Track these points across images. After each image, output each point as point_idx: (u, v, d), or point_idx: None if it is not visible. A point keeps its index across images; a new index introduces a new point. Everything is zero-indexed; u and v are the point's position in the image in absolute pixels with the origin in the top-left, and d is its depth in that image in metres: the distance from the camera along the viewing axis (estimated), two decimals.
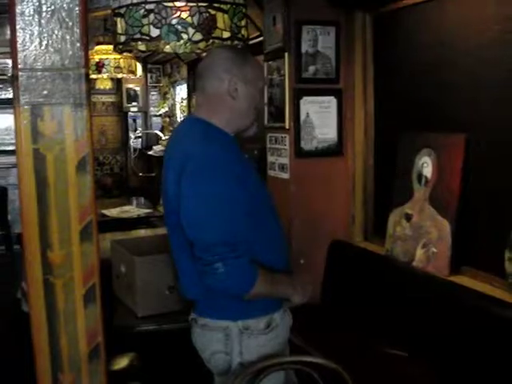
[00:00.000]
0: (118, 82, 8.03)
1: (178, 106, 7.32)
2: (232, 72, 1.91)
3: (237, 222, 1.82)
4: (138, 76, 6.33)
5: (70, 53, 1.36)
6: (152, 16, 2.42)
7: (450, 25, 2.82)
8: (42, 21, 1.35)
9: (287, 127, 3.43)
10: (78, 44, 1.37)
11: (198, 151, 1.84)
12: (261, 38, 3.81)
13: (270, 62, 3.62)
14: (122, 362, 2.99)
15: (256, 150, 4.63)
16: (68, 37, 1.36)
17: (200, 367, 2.77)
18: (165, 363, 2.90)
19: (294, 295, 1.97)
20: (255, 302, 1.90)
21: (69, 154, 1.36)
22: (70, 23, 1.36)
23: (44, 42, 1.35)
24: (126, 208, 5.74)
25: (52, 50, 1.36)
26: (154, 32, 2.44)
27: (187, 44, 2.56)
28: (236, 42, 2.64)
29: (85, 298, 1.41)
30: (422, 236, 2.84)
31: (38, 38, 1.35)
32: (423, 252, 2.81)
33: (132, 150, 8.13)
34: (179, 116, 7.25)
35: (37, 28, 1.35)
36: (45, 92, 1.34)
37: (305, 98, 3.41)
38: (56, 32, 1.36)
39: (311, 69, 3.41)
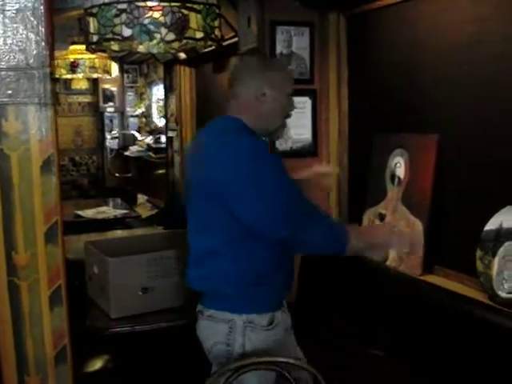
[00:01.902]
0: (94, 83, 7.99)
1: (154, 107, 7.29)
2: (258, 78, 2.02)
3: (292, 190, 1.93)
4: (113, 76, 6.30)
5: (35, 52, 1.35)
6: (124, 16, 2.41)
7: (423, 26, 2.84)
8: (6, 20, 1.33)
9: None
10: (43, 43, 1.36)
11: (232, 141, 1.94)
12: (236, 39, 3.80)
13: None
14: (96, 364, 2.98)
15: None
16: (33, 36, 1.35)
17: (173, 368, 2.77)
18: (139, 365, 2.89)
19: (392, 243, 2.13)
20: (260, 298, 1.99)
21: (34, 154, 1.34)
22: (35, 22, 1.35)
23: (8, 41, 1.34)
24: (102, 209, 5.71)
25: (16, 49, 1.34)
26: (127, 32, 2.43)
27: (160, 44, 2.55)
28: (209, 43, 2.64)
29: (50, 300, 1.40)
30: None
31: (1, 37, 1.33)
32: (396, 252, 2.82)
33: (108, 150, 8.09)
34: (156, 116, 7.22)
35: (1, 27, 1.34)
36: (9, 91, 1.33)
37: None
38: (20, 31, 1.34)
39: None
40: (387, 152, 2.96)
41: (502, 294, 2.31)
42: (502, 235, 2.30)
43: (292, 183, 1.97)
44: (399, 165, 2.89)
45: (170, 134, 6.01)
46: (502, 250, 2.34)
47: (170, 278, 2.77)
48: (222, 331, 1.99)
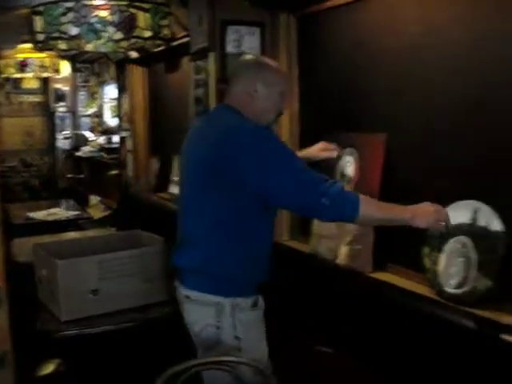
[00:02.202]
0: (45, 82, 7.85)
1: (107, 106, 7.22)
2: (252, 75, 2.17)
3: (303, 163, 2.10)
4: (65, 75, 6.20)
5: None
6: (71, 14, 2.39)
7: (372, 27, 2.87)
8: None
9: None
10: None
11: (240, 126, 2.07)
12: (188, 38, 3.79)
13: (196, 62, 3.61)
14: (48, 368, 2.93)
15: None
16: None
17: (125, 370, 2.75)
18: (90, 367, 2.85)
19: (414, 219, 2.11)
20: (247, 281, 2.14)
21: None
22: None
23: None
24: (54, 210, 5.63)
25: None
26: (73, 30, 2.41)
27: (108, 43, 2.53)
28: (158, 42, 2.62)
29: None
30: (346, 234, 2.87)
31: None
32: (347, 249, 2.85)
33: (60, 151, 7.97)
34: (108, 116, 7.15)
35: None
36: None
37: None
38: None
39: None
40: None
41: (449, 290, 2.36)
42: (447, 232, 2.35)
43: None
44: (349, 163, 2.91)
45: (123, 133, 5.95)
46: (448, 246, 2.39)
47: (121, 279, 2.75)
48: (210, 314, 2.07)
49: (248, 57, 2.34)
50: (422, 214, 2.12)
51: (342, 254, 2.87)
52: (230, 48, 3.39)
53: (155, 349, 2.72)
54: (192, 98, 3.73)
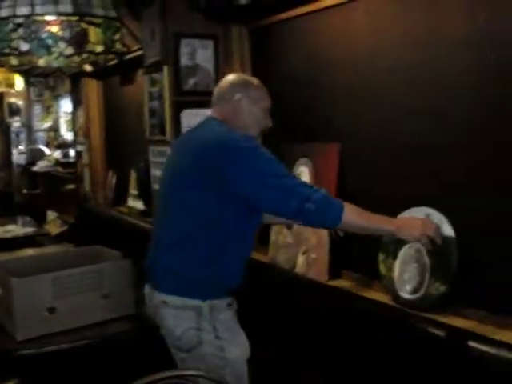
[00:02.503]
0: None
1: (62, 120, 7.15)
2: (238, 91, 2.25)
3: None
4: (18, 90, 6.12)
5: None
6: (21, 30, 2.37)
7: (322, 39, 2.92)
8: None
9: (168, 140, 3.43)
10: None
11: (228, 135, 2.16)
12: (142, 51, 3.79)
13: (150, 75, 3.61)
14: None
15: (142, 163, 4.59)
16: None
17: None
18: None
19: (399, 231, 2.11)
20: (224, 284, 2.19)
21: None
22: None
23: None
24: (11, 227, 5.53)
25: None
26: (24, 46, 2.39)
27: (59, 58, 2.52)
28: (110, 56, 2.62)
29: None
30: (302, 243, 2.91)
31: None
32: (304, 259, 2.88)
33: (16, 166, 7.85)
34: (64, 130, 7.08)
35: None
36: None
37: (185, 110, 3.42)
38: None
39: (191, 81, 3.43)
40: (292, 161, 3.01)
41: (404, 295, 2.41)
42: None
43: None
44: (303, 174, 2.94)
45: (79, 147, 5.90)
46: (402, 252, 2.44)
47: (77, 296, 2.73)
48: (190, 317, 2.12)
49: (232, 76, 2.38)
50: (407, 226, 2.13)
51: (299, 263, 2.90)
52: (183, 61, 3.41)
53: (114, 365, 2.70)
54: (147, 110, 3.73)
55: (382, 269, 2.54)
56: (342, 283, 2.77)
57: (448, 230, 2.25)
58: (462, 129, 2.27)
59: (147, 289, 2.31)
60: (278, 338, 2.83)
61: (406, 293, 2.41)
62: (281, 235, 3.08)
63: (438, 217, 2.29)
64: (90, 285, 2.79)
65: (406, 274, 2.42)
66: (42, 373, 2.76)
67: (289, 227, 2.99)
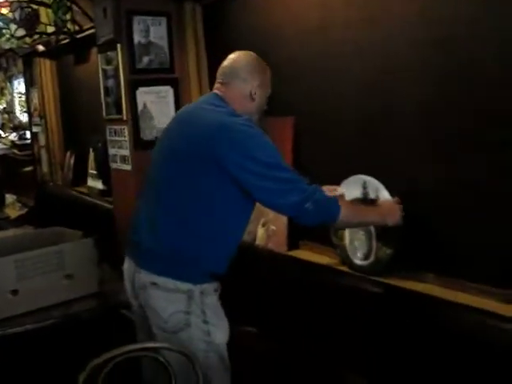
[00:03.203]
0: None
1: (16, 101, 7.04)
2: (255, 77, 2.19)
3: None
4: None
5: None
6: None
7: (274, 13, 2.96)
8: None
9: (125, 119, 3.43)
10: None
11: (232, 123, 2.05)
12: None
13: (104, 54, 3.60)
14: None
15: (99, 143, 4.59)
16: None
17: (50, 368, 2.75)
18: (14, 367, 2.83)
19: (386, 220, 2.22)
20: (210, 269, 2.15)
21: None
22: None
23: None
24: None
25: None
26: None
27: (11, 40, 2.50)
28: (62, 36, 2.61)
29: None
30: (261, 216, 2.97)
31: None
32: (263, 231, 2.95)
33: None
34: (18, 111, 6.97)
35: None
36: None
37: (141, 88, 3.42)
38: None
39: (145, 59, 3.42)
40: None
41: (357, 262, 2.50)
42: None
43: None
44: None
45: (35, 129, 5.84)
46: None
47: (40, 277, 2.74)
48: (181, 300, 2.10)
49: (249, 56, 2.27)
50: (390, 212, 2.23)
51: (259, 235, 2.97)
52: (137, 38, 3.40)
53: (82, 344, 2.73)
54: (102, 89, 3.72)
55: (334, 238, 2.63)
56: (301, 253, 2.85)
57: (386, 196, 2.34)
58: (408, 102, 2.35)
59: (129, 265, 2.26)
60: (242, 309, 2.89)
61: (358, 259, 2.50)
62: None
63: (374, 183, 2.40)
64: (52, 265, 2.80)
65: (356, 242, 2.51)
66: (7, 354, 2.79)
67: None
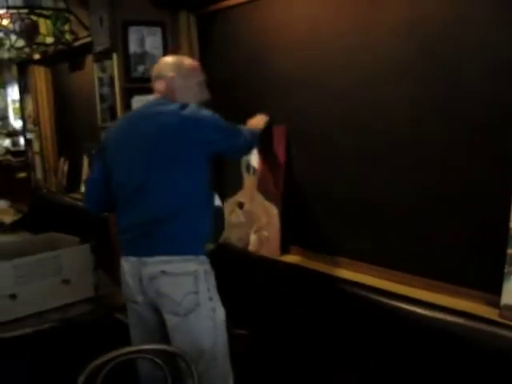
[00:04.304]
0: None
1: (10, 108, 7.07)
2: (170, 69, 2.50)
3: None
4: None
5: None
6: None
7: (267, 24, 3.01)
8: None
9: None
10: None
11: (189, 112, 2.34)
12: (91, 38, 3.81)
13: (100, 62, 3.65)
14: None
15: (94, 150, 4.63)
16: None
17: (50, 371, 2.80)
18: (14, 371, 2.88)
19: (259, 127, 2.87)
20: (206, 240, 2.42)
21: None
22: None
23: None
24: None
25: None
26: None
27: (10, 50, 2.56)
28: (60, 47, 2.67)
29: None
30: (254, 222, 3.04)
31: None
32: (256, 237, 3.02)
33: None
34: (13, 118, 7.01)
35: None
36: None
37: (136, 97, 3.48)
38: None
39: (140, 68, 3.49)
40: None
41: None
42: None
43: None
44: (253, 155, 3.08)
45: (29, 135, 5.87)
46: None
47: (38, 282, 2.80)
48: (189, 282, 2.30)
49: (167, 57, 2.62)
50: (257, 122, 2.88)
51: (252, 242, 3.03)
52: (132, 48, 3.46)
53: (79, 347, 2.78)
54: (97, 96, 3.77)
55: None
56: (294, 258, 2.91)
57: (218, 202, 2.62)
58: (398, 111, 2.42)
59: (131, 264, 2.39)
60: (236, 313, 2.95)
61: None
62: (233, 215, 3.20)
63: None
64: (50, 271, 2.86)
65: None
66: (7, 358, 2.83)
67: (240, 207, 3.12)
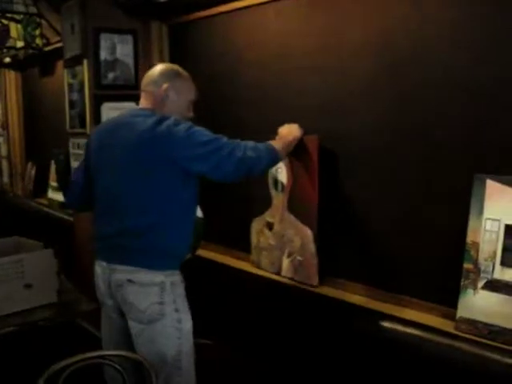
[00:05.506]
0: None
1: None
2: (166, 80, 2.39)
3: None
4: None
5: None
6: None
7: (237, 37, 3.06)
8: None
9: (88, 133, 3.48)
10: None
11: (166, 126, 2.25)
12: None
13: (70, 68, 3.66)
14: None
15: (62, 155, 4.61)
16: None
17: (9, 376, 2.78)
18: None
19: (295, 137, 2.60)
20: (179, 262, 2.41)
21: None
22: None
23: None
24: None
25: None
26: None
27: None
28: (31, 51, 2.68)
29: None
30: (286, 245, 2.79)
31: None
32: (289, 262, 2.78)
33: None
34: None
35: None
36: None
37: (105, 103, 3.49)
38: None
39: (111, 75, 3.51)
40: None
41: None
42: None
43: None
44: (281, 170, 2.81)
45: None
46: None
47: (1, 285, 2.78)
48: (155, 293, 2.30)
49: (163, 65, 2.52)
50: (291, 131, 2.60)
51: (285, 267, 2.81)
52: (103, 55, 3.47)
53: (41, 352, 2.76)
54: (67, 102, 3.77)
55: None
56: (328, 290, 2.64)
57: (199, 213, 2.55)
58: (363, 124, 2.47)
59: (103, 269, 2.41)
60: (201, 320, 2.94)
61: None
62: (262, 237, 2.97)
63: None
64: (12, 275, 2.84)
65: None
66: None
67: (270, 228, 2.91)
